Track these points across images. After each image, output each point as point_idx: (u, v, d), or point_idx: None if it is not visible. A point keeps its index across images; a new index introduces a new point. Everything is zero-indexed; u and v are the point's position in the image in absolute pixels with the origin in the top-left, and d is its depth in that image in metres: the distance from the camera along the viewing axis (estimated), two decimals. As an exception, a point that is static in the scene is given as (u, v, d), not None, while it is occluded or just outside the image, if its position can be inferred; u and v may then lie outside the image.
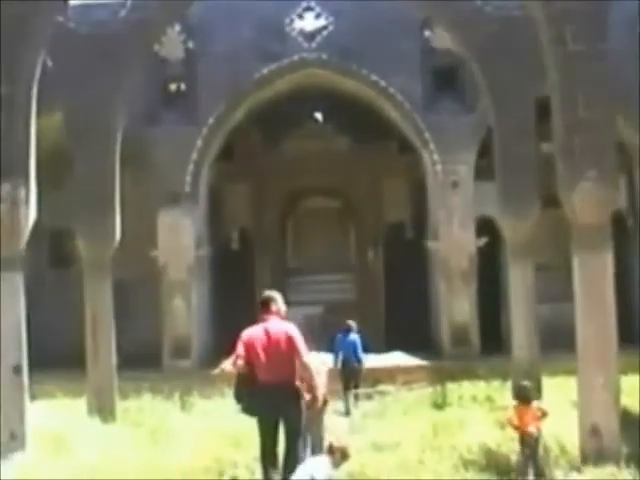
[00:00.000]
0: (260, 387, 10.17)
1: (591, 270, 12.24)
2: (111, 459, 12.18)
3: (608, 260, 12.29)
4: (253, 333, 10.48)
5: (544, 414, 11.99)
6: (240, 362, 10.28)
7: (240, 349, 10.34)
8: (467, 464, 11.68)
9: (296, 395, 10.30)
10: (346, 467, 10.20)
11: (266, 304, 10.71)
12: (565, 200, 12.44)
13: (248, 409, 10.45)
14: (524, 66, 16.85)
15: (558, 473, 11.74)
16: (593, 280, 12.24)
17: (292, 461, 10.04)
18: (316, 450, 11.62)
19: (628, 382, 14.60)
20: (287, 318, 10.92)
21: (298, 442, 10.40)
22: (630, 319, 19.42)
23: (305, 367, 10.33)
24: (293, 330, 10.55)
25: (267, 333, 10.43)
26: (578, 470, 11.66)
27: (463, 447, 12.64)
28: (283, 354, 10.30)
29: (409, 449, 12.76)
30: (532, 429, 11.60)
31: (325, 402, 11.96)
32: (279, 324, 10.60)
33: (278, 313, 10.75)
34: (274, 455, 10.38)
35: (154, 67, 23.36)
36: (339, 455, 9.06)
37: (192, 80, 24.56)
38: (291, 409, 10.26)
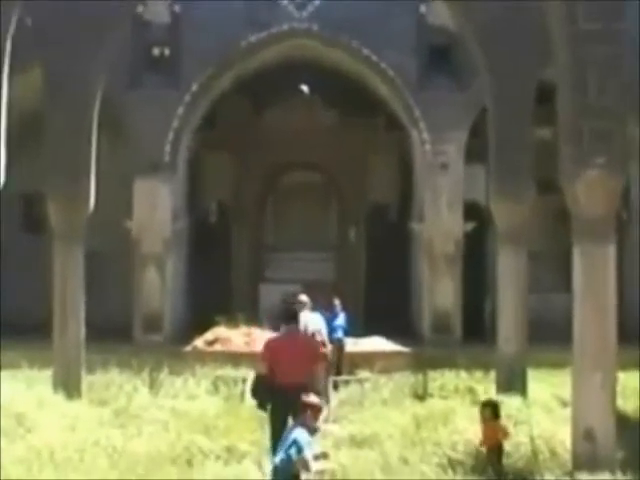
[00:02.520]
0: (278, 388, 11.25)
1: (593, 262, 11.51)
2: (73, 442, 11.48)
3: (611, 252, 11.59)
4: (278, 342, 11.90)
5: (505, 434, 11.48)
6: (264, 366, 11.56)
7: (265, 355, 11.68)
8: (454, 464, 11.00)
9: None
10: (326, 466, 9.76)
11: (292, 317, 11.98)
12: (567, 188, 11.72)
13: (263, 405, 11.58)
14: (526, 47, 16.16)
15: (549, 478, 11.04)
16: (594, 272, 11.51)
17: None
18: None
19: (623, 381, 13.97)
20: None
21: None
22: (624, 315, 18.86)
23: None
24: (314, 342, 12.67)
25: (291, 343, 11.71)
26: (570, 475, 10.98)
27: (448, 444, 12.01)
28: (302, 362, 11.55)
29: (391, 445, 12.09)
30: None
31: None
32: (301, 336, 12.24)
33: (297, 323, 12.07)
34: None
35: (137, 30, 22.63)
36: (310, 413, 9.45)
37: (176, 45, 23.77)
38: None
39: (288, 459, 9.10)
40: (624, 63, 11.46)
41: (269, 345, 11.81)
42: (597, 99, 11.36)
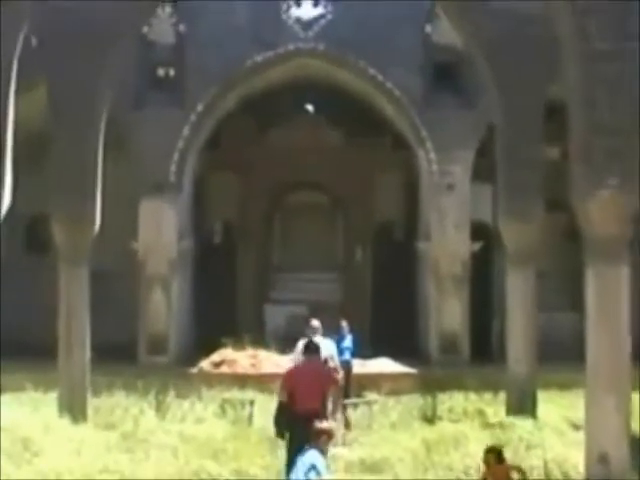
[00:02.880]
0: (296, 414, 11.92)
1: (606, 283, 11.32)
2: (80, 468, 11.29)
3: (624, 273, 11.40)
4: (298, 372, 12.80)
5: (521, 472, 11.15)
6: (284, 394, 12.32)
7: (285, 384, 12.45)
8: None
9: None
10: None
11: (314, 350, 12.75)
12: (579, 207, 11.54)
13: (281, 433, 12.22)
14: (534, 63, 16.00)
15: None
16: (607, 294, 11.33)
17: None
18: None
19: (634, 402, 13.75)
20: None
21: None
22: (636, 333, 18.60)
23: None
24: (327, 369, 13.65)
25: (308, 371, 12.55)
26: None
27: (460, 468, 11.83)
28: (317, 388, 12.31)
29: (402, 470, 11.91)
30: None
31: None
32: (319, 367, 12.93)
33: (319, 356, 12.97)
34: None
35: (142, 50, 22.57)
36: (325, 438, 9.48)
37: (181, 65, 23.70)
38: None
39: None
40: (636, 81, 11.32)
41: (289, 374, 12.75)
42: (609, 117, 11.22)
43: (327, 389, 12.38)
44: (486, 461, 10.64)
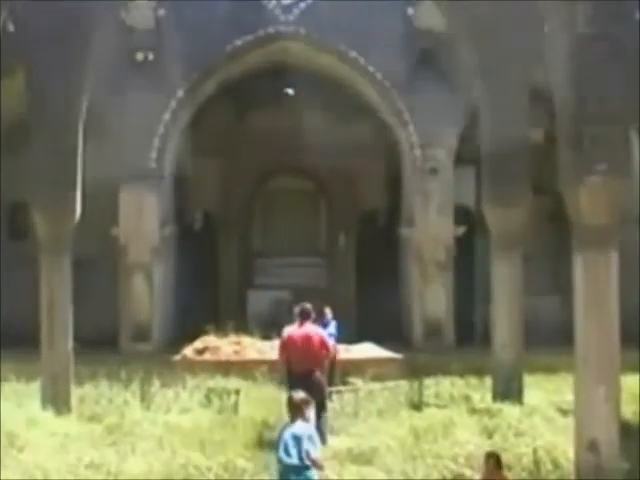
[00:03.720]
0: (295, 375, 13.33)
1: (595, 271, 11.26)
2: (66, 463, 11.14)
3: (614, 260, 11.33)
4: (292, 336, 13.85)
5: None
6: (283, 358, 13.69)
7: (282, 348, 13.82)
8: (457, 478, 10.72)
9: (321, 378, 13.81)
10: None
11: (307, 315, 14.03)
12: (568, 195, 11.44)
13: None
14: (518, 46, 15.86)
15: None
16: (597, 282, 11.27)
17: (323, 418, 13.41)
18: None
19: (622, 386, 13.70)
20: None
21: (325, 406, 13.79)
22: (623, 316, 18.55)
23: (331, 352, 14.45)
24: (322, 332, 14.57)
25: (302, 337, 13.77)
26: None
27: (449, 457, 11.75)
28: (312, 354, 13.69)
29: (390, 459, 11.81)
30: None
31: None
32: (312, 331, 14.02)
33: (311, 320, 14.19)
34: None
35: (121, 35, 22.27)
36: (304, 406, 9.61)
37: (161, 50, 23.43)
38: (319, 387, 13.50)
39: (299, 455, 9.11)
40: (624, 67, 11.22)
41: (285, 339, 13.84)
42: (597, 104, 11.11)
43: (321, 354, 13.71)
44: (487, 465, 10.48)
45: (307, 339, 13.73)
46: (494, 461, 10.52)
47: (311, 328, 14.06)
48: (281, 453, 9.12)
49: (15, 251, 24.47)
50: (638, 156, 18.22)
